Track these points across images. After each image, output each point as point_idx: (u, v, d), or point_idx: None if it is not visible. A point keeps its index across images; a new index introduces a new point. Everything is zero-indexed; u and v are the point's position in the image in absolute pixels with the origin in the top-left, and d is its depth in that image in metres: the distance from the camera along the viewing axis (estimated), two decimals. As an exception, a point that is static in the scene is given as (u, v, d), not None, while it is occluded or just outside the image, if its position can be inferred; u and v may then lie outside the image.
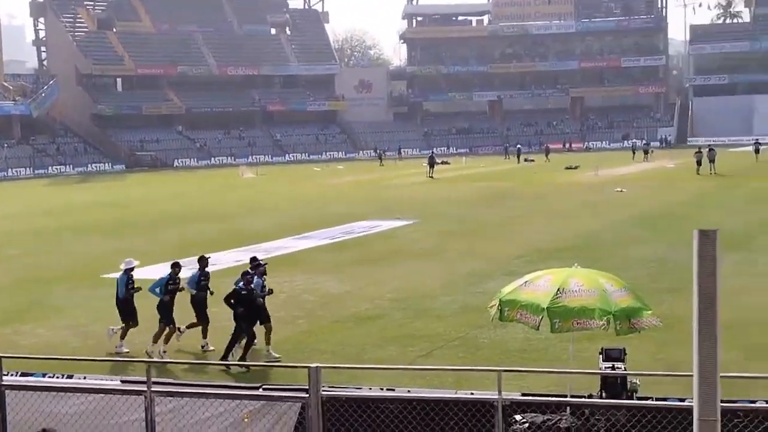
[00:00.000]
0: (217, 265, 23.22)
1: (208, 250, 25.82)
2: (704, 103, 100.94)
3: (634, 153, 69.96)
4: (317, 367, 6.50)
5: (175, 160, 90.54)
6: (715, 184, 43.15)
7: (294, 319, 16.22)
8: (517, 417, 6.95)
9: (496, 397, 6.31)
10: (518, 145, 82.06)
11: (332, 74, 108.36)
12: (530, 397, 7.40)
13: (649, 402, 7.07)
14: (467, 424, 6.40)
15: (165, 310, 14.10)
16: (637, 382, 8.21)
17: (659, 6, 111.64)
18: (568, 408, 7.09)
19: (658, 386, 9.64)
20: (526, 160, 72.22)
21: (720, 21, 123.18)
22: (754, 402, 7.97)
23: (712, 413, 4.58)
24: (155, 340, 14.00)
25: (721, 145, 78.32)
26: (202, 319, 14.35)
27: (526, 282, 9.47)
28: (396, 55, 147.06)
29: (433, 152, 67.30)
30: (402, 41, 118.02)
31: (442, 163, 61.80)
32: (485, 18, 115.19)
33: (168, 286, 14.27)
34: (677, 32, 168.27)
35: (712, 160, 49.72)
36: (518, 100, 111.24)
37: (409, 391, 9.10)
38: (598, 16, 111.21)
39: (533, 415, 6.98)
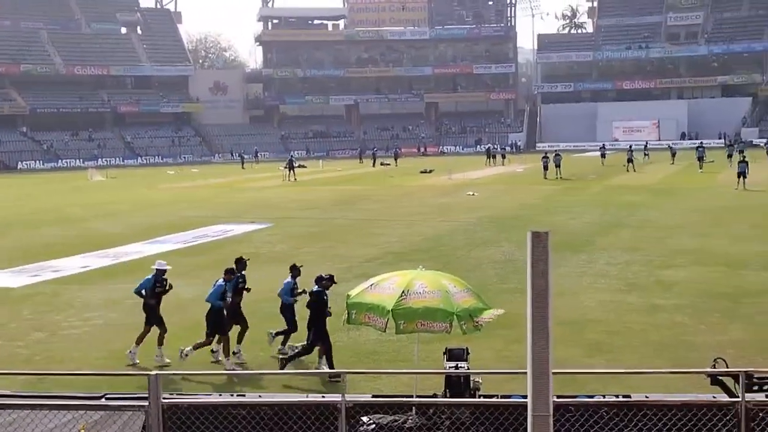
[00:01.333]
0: (62, 271, 22.39)
1: (54, 255, 24.93)
2: (551, 110, 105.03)
3: (488, 157, 71.90)
4: (157, 374, 6.32)
5: (19, 163, 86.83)
6: (561, 188, 44.86)
7: (143, 326, 15.74)
8: (364, 419, 6.98)
9: (340, 399, 6.32)
10: (374, 149, 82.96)
11: (186, 75, 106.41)
12: (377, 399, 7.45)
13: (489, 400, 7.24)
14: (311, 428, 6.38)
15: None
16: (479, 380, 8.41)
17: (508, 15, 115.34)
18: (413, 408, 7.18)
19: (507, 384, 9.92)
20: (382, 163, 73.03)
21: (565, 31, 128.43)
22: (591, 397, 8.31)
23: (544, 408, 4.72)
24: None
25: (568, 150, 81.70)
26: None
27: (372, 285, 9.54)
28: (252, 57, 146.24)
29: (292, 155, 67.12)
30: (258, 44, 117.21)
31: (299, 166, 61.69)
32: (341, 22, 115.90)
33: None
34: (526, 41, 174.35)
35: (558, 165, 51.75)
36: (374, 104, 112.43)
37: (260, 396, 8.99)
38: (450, 24, 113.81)
39: (380, 416, 7.01)
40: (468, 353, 8.72)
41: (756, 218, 29.64)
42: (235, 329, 13.73)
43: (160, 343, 13.62)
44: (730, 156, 58.53)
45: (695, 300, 16.89)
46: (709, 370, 6.94)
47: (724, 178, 45.58)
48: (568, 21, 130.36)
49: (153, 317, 13.73)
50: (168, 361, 13.37)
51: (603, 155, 65.45)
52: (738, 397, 6.99)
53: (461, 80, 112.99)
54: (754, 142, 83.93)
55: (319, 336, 12.42)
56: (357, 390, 10.81)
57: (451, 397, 7.77)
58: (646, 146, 71.82)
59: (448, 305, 8.81)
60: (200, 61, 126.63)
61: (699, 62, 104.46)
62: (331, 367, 12.03)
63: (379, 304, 9.02)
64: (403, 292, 8.99)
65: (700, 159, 54.42)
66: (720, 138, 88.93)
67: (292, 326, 13.71)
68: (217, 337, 13.37)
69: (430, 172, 59.48)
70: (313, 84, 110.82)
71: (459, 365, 8.20)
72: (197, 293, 18.84)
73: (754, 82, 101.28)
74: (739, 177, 40.60)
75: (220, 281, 13.50)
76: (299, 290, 13.79)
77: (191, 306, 17.64)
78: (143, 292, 13.94)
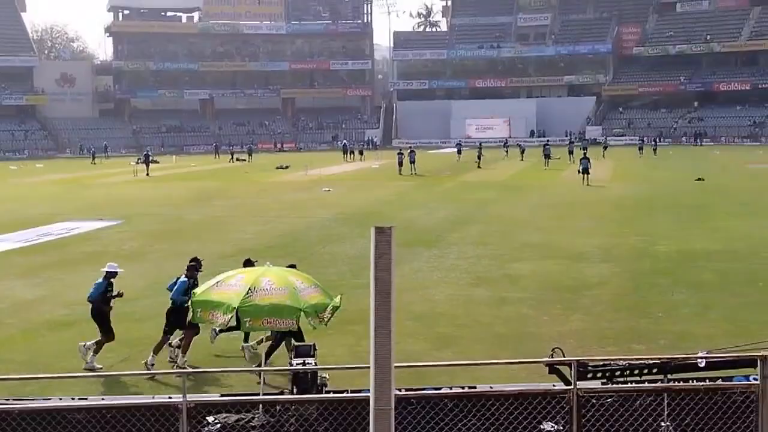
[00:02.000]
0: None
1: None
2: (407, 107, 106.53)
3: (345, 154, 72.26)
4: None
5: None
6: (416, 184, 45.60)
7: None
8: (209, 419, 6.89)
9: (181, 399, 6.21)
10: (231, 145, 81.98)
11: (30, 67, 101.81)
12: (220, 399, 7.37)
13: (335, 395, 7.29)
14: (150, 430, 6.24)
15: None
16: (326, 376, 8.46)
17: (365, 12, 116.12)
18: (260, 406, 7.14)
19: (360, 379, 10.00)
20: (237, 159, 72.15)
21: (420, 29, 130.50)
22: (439, 389, 8.50)
23: (386, 402, 4.78)
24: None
25: (423, 146, 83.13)
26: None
27: (218, 282, 9.43)
28: (101, 49, 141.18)
29: (148, 150, 65.41)
30: (108, 35, 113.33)
31: (152, 161, 60.09)
32: (196, 15, 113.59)
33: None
34: (383, 38, 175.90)
35: (413, 161, 52.59)
36: (230, 99, 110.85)
37: (103, 399, 8.74)
38: (307, 19, 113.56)
39: (226, 415, 6.94)
40: (315, 349, 8.75)
41: (597, 212, 31.05)
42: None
43: (98, 350, 12.62)
44: (570, 153, 61.27)
45: (539, 293, 17.53)
46: (545, 359, 7.22)
47: (568, 175, 47.52)
48: (423, 19, 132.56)
49: (106, 324, 12.74)
50: (100, 366, 12.46)
51: (459, 152, 67.11)
52: (576, 385, 7.32)
53: (318, 76, 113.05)
54: (598, 140, 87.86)
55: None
56: (205, 390, 10.67)
57: (298, 393, 7.78)
58: (506, 143, 74.04)
59: (295, 302, 8.81)
60: (46, 51, 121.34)
61: (547, 62, 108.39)
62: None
63: (224, 301, 8.93)
64: (249, 289, 8.93)
65: (547, 156, 56.50)
66: (566, 136, 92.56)
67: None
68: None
69: (287, 168, 59.25)
70: (167, 77, 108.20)
71: (306, 362, 8.22)
72: (40, 294, 18.14)
73: (598, 82, 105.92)
74: (582, 173, 42.44)
75: (183, 278, 12.67)
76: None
77: (34, 307, 16.95)
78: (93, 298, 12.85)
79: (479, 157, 58.02)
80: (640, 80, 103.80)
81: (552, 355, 7.53)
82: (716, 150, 76.31)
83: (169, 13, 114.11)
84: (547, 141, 67.11)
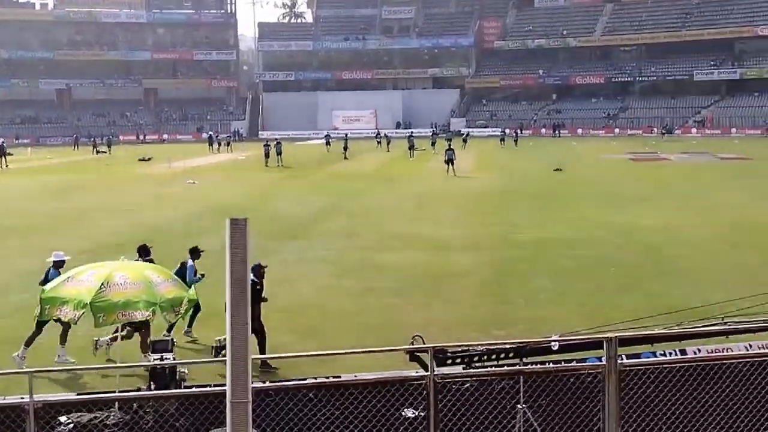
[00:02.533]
0: None
1: None
2: (274, 98, 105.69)
3: (210, 145, 71.11)
4: None
5: None
6: (283, 176, 45.36)
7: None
8: (62, 419, 6.64)
9: (27, 400, 5.96)
10: (93, 137, 79.28)
11: None
12: (75, 397, 7.13)
13: (194, 390, 7.17)
14: (-4, 433, 5.96)
15: None
16: (185, 371, 8.30)
17: (229, 2, 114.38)
18: (116, 403, 6.94)
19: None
20: (98, 151, 69.84)
21: (286, 20, 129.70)
22: (304, 380, 8.49)
23: (243, 395, 4.73)
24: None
25: (291, 138, 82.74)
26: None
27: (69, 278, 9.10)
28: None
29: (2, 142, 62.33)
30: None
31: (7, 154, 57.30)
32: (50, 2, 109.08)
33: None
34: (248, 29, 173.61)
35: (279, 153, 52.28)
36: (89, 89, 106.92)
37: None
38: (169, 8, 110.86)
39: (79, 414, 6.70)
40: (173, 344, 8.57)
41: (461, 203, 31.73)
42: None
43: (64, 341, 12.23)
44: (433, 144, 62.48)
45: (405, 282, 17.76)
46: (404, 347, 7.32)
47: (434, 166, 48.32)
48: (288, 10, 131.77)
49: None
50: (73, 360, 11.95)
51: (328, 143, 67.13)
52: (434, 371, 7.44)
53: (181, 66, 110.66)
54: (462, 132, 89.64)
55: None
56: (58, 389, 10.28)
57: (156, 389, 7.60)
58: (378, 135, 73.87)
59: (151, 296, 8.60)
60: None
61: (412, 55, 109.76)
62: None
63: (76, 297, 8.61)
64: (102, 284, 8.65)
65: (411, 148, 57.24)
66: (432, 127, 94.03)
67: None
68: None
69: (149, 160, 57.80)
70: (20, 66, 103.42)
71: (164, 357, 8.04)
72: None
73: (462, 75, 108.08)
74: (447, 164, 43.25)
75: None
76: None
77: None
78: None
79: (345, 149, 58.30)
80: (501, 73, 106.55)
81: (412, 342, 7.64)
82: (573, 141, 79.20)
83: (21, 0, 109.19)
84: (411, 132, 67.90)
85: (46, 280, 12.00)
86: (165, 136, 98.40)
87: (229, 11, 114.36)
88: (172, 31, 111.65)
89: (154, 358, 8.05)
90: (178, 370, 8.00)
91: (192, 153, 64.22)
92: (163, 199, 34.37)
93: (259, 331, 11.93)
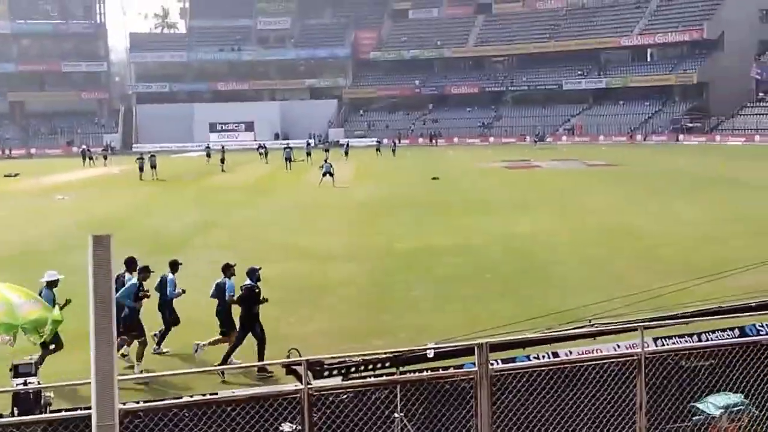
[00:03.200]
0: None
1: None
2: (148, 111, 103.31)
3: (84, 159, 68.68)
4: None
5: None
6: (158, 189, 44.38)
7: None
8: None
9: None
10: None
11: None
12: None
13: (58, 414, 6.91)
14: None
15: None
16: (51, 395, 7.99)
17: (98, 12, 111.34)
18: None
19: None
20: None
21: (158, 31, 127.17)
22: (179, 397, 8.30)
23: (109, 417, 4.58)
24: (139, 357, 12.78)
25: (166, 151, 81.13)
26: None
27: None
28: None
29: None
30: None
31: None
32: None
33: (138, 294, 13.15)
34: (119, 40, 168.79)
35: (153, 166, 51.13)
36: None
37: None
38: (34, 18, 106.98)
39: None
40: (38, 367, 8.23)
41: (340, 213, 31.78)
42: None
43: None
44: (309, 154, 62.67)
45: (286, 294, 17.59)
46: (279, 361, 7.26)
47: (312, 177, 48.21)
48: (160, 21, 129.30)
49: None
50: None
51: (208, 155, 66.05)
52: (308, 384, 7.40)
53: (49, 78, 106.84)
54: (340, 142, 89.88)
55: (251, 329, 12.86)
56: None
57: (19, 415, 7.28)
58: (260, 147, 72.90)
59: (12, 318, 8.24)
60: None
61: (288, 65, 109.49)
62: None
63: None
64: (-40, 308, 8.24)
65: (288, 159, 56.70)
66: (310, 138, 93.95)
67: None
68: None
69: (16, 176, 55.53)
70: None
71: (28, 381, 7.70)
72: None
73: (339, 85, 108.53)
74: (324, 175, 43.25)
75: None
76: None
77: None
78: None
79: (223, 161, 57.56)
80: (378, 83, 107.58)
81: (288, 356, 7.58)
82: (450, 150, 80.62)
83: None
84: (288, 144, 67.37)
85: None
86: (33, 151, 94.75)
87: (98, 21, 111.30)
88: (38, 42, 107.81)
89: (17, 383, 7.70)
90: (43, 394, 7.69)
91: (63, 168, 62.07)
92: (32, 215, 33.07)
93: (260, 337, 12.91)
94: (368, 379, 7.29)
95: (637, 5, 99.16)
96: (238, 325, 13.09)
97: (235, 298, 13.19)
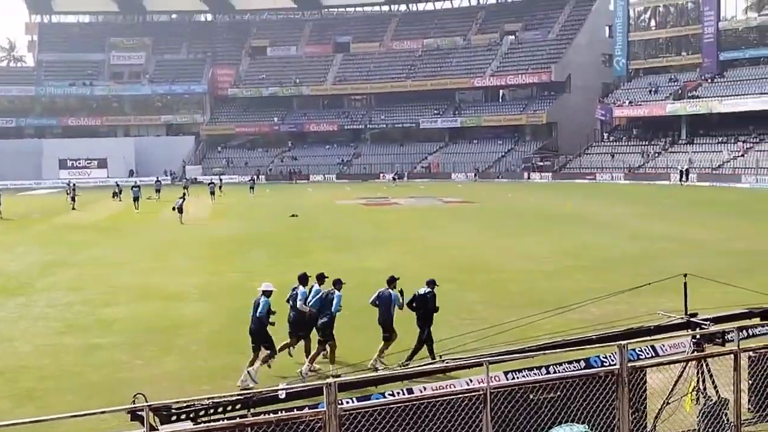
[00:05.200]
0: None
1: None
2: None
3: None
4: None
5: None
6: (1, 228, 42.33)
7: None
8: None
9: None
10: None
11: None
12: None
13: None
14: None
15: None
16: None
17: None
18: None
19: None
20: None
21: (4, 64, 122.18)
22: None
23: None
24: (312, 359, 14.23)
25: (12, 188, 77.59)
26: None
27: None
28: None
29: None
30: None
31: None
32: None
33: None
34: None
35: (-2, 204, 48.73)
36: None
37: None
38: None
39: None
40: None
41: (195, 251, 31.17)
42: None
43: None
44: (158, 191, 61.62)
45: (134, 336, 17.06)
46: (122, 407, 6.96)
47: (166, 215, 47.15)
48: (6, 53, 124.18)
49: (270, 339, 13.98)
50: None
51: (68, 192, 62.95)
52: (156, 429, 7.15)
53: None
54: (198, 179, 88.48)
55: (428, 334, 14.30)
56: None
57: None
58: (216, 181, 70.59)
59: None
60: None
61: (143, 101, 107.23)
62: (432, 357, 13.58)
63: None
64: None
65: (136, 199, 53.66)
66: (166, 175, 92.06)
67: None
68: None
69: None
70: None
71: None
72: None
73: (196, 121, 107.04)
74: (177, 212, 42.53)
75: (317, 287, 15.15)
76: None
77: None
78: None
79: (73, 199, 55.48)
80: (237, 120, 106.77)
81: (134, 401, 7.28)
82: (310, 187, 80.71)
83: None
84: (136, 182, 65.11)
85: (255, 310, 13.98)
86: None
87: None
88: None
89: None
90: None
91: None
92: None
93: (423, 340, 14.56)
94: (216, 423, 7.09)
95: (489, 48, 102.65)
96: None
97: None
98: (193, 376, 13.95)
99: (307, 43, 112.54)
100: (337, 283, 15.17)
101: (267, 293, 14.34)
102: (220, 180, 73.54)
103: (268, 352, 13.84)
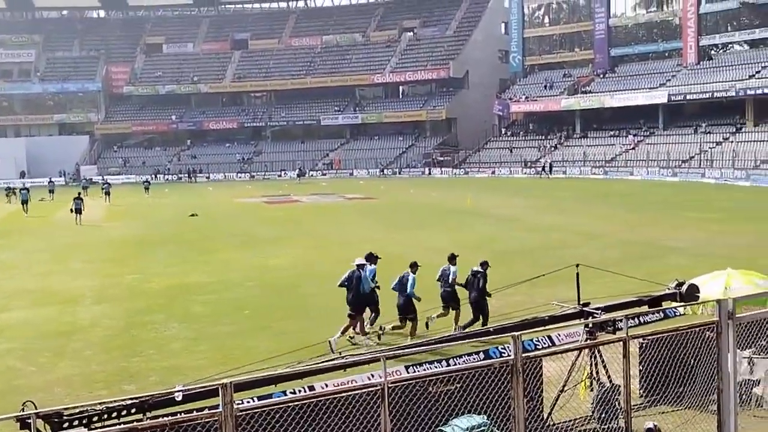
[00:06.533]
0: None
1: None
2: None
3: None
4: None
5: None
6: None
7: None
8: None
9: None
10: None
11: None
12: None
13: None
14: None
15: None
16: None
17: None
18: None
19: None
20: None
21: None
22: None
23: None
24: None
25: None
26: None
27: None
28: None
29: None
30: None
31: None
32: None
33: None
34: None
35: None
36: None
37: None
38: None
39: None
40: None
41: (92, 254, 30.40)
42: None
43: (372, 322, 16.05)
44: (51, 192, 59.95)
45: (28, 342, 16.54)
46: (8, 415, 6.72)
47: (61, 216, 45.83)
48: None
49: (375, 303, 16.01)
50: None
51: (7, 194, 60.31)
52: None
53: None
54: (95, 180, 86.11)
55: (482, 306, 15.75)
56: None
57: None
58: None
59: None
60: None
61: (34, 100, 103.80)
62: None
63: None
64: None
65: (24, 203, 50.16)
66: (61, 176, 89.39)
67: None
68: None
69: None
70: None
71: None
72: None
73: (91, 120, 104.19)
74: (75, 213, 41.37)
75: (370, 267, 16.16)
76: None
77: None
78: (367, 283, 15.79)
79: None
80: (133, 119, 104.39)
81: (23, 409, 7.03)
82: (210, 186, 79.60)
83: None
84: (24, 184, 62.59)
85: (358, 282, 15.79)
86: None
87: None
88: None
89: None
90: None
91: None
92: None
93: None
94: (110, 428, 6.91)
95: (388, 44, 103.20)
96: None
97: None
98: (88, 381, 13.59)
99: (204, 40, 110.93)
100: (414, 266, 16.10)
101: (362, 266, 16.05)
102: (108, 184, 65.88)
103: (374, 314, 16.09)
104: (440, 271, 16.49)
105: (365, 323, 15.92)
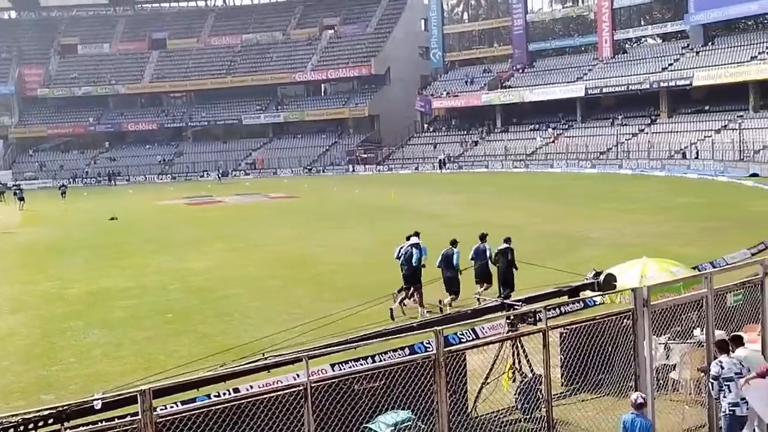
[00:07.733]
0: None
1: None
2: None
3: None
4: None
5: None
6: None
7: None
8: None
9: None
10: None
11: None
12: None
13: None
14: None
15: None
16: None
17: None
18: None
19: None
20: None
21: None
22: None
23: None
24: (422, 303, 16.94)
25: None
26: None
27: None
28: None
29: None
30: None
31: None
32: None
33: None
34: None
35: None
36: None
37: None
38: None
39: None
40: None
41: (5, 261, 29.60)
42: None
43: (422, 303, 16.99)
44: None
45: (-61, 354, 15.95)
46: None
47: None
48: None
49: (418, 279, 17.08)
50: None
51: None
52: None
53: None
54: (10, 185, 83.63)
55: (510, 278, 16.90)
56: None
57: None
58: None
59: None
60: None
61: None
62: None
63: None
64: None
65: None
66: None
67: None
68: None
69: None
70: None
71: None
72: None
73: (4, 124, 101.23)
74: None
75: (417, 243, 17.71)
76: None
77: None
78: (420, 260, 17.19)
79: None
80: (48, 122, 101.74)
81: None
82: (130, 189, 78.06)
83: None
84: None
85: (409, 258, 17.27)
86: None
87: None
88: None
89: None
90: None
91: None
92: None
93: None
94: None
95: (309, 42, 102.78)
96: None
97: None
98: (4, 392, 13.19)
99: (120, 40, 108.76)
100: (454, 243, 17.54)
101: (417, 244, 17.57)
102: (21, 189, 62.66)
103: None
104: (441, 255, 17.52)
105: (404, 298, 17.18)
